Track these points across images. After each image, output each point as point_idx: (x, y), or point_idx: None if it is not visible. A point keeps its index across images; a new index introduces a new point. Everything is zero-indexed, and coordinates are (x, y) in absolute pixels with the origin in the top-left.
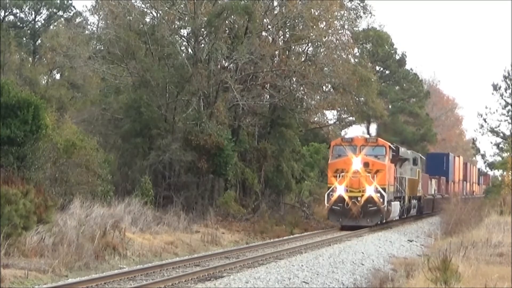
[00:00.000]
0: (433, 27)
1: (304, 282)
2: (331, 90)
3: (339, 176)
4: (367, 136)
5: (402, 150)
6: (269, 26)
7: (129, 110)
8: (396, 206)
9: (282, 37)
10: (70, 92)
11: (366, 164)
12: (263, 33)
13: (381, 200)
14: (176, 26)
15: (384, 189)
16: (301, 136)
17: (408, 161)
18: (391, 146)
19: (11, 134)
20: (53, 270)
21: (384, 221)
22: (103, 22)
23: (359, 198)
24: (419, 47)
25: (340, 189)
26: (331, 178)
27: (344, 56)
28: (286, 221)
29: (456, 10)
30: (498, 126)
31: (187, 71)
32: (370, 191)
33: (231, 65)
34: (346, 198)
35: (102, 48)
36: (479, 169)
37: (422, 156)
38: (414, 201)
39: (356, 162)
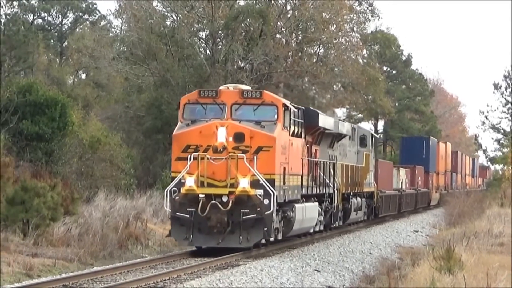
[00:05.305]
0: (437, 29)
1: (315, 270)
2: (341, 89)
3: (191, 159)
4: (245, 87)
5: (329, 119)
6: (282, 29)
7: (150, 108)
8: (310, 211)
9: (295, 39)
10: (95, 91)
11: (238, 137)
12: (277, 35)
13: (266, 201)
14: (195, 29)
15: (272, 182)
16: None
17: (350, 139)
18: (292, 106)
19: (40, 131)
20: (79, 259)
21: (279, 237)
22: (126, 25)
23: (224, 198)
24: (424, 48)
25: (190, 182)
26: (176, 163)
27: (353, 57)
28: None
29: (459, 13)
30: (499, 123)
31: (205, 71)
32: (244, 184)
33: (247, 65)
34: (202, 197)
35: (125, 49)
36: (473, 160)
37: (375, 135)
38: (357, 200)
39: (221, 133)
